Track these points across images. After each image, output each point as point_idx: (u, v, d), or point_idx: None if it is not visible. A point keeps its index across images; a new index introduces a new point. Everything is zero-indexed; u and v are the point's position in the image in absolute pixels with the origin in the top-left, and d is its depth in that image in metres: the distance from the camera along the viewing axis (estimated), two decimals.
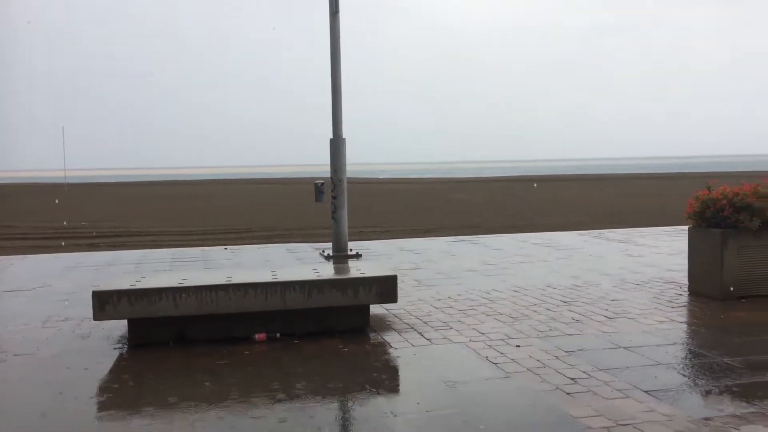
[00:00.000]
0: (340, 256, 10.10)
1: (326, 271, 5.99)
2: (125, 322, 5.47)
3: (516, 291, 7.30)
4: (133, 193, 45.63)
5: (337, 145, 10.19)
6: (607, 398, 4.02)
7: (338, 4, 9.94)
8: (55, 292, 7.72)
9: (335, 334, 5.58)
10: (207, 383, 4.43)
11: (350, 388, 4.33)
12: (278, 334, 5.49)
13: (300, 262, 9.75)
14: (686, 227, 7.27)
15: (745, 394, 4.05)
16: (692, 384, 4.24)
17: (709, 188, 6.92)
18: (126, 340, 5.46)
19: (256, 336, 5.41)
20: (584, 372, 4.50)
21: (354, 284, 5.56)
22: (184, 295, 5.26)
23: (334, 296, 5.51)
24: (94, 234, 18.54)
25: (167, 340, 5.38)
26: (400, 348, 5.18)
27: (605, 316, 6.06)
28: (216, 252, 11.20)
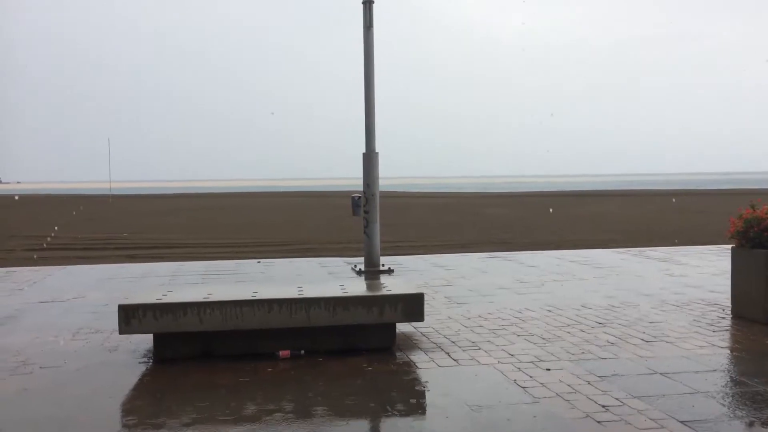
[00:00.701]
0: (371, 271, 10.01)
1: (353, 287, 5.90)
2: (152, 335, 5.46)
3: (549, 310, 7.09)
4: (172, 205, 46.44)
5: (369, 158, 10.13)
6: (640, 428, 3.82)
7: (372, 18, 9.93)
8: (89, 303, 7.81)
9: (360, 352, 5.48)
10: (228, 401, 4.37)
11: (371, 409, 4.22)
12: (302, 352, 5.41)
13: (331, 277, 9.69)
14: (730, 246, 6.98)
15: None
16: (732, 415, 4.01)
17: (753, 207, 6.63)
18: (152, 354, 5.45)
19: (281, 353, 5.34)
20: (617, 399, 4.30)
21: (380, 302, 5.45)
22: (208, 310, 5.23)
23: (359, 314, 5.41)
24: (132, 245, 18.85)
25: (192, 354, 5.36)
26: (426, 369, 5.05)
27: (642, 339, 5.83)
28: (249, 265, 11.22)
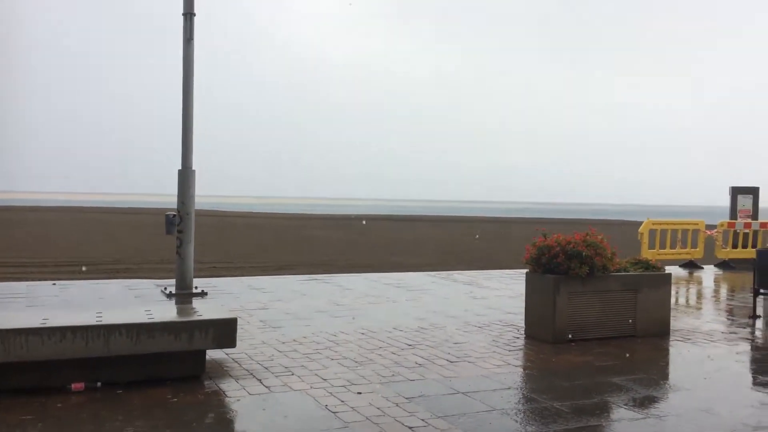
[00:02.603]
0: (183, 294, 9.55)
1: (160, 312, 5.57)
2: None
3: (363, 333, 7.23)
4: None
5: (185, 176, 9.73)
6: None
7: (192, 31, 9.60)
8: None
9: (166, 382, 5.17)
10: None
11: None
12: (99, 384, 4.98)
13: (138, 301, 9.09)
14: (525, 271, 7.60)
15: None
16: (523, 430, 4.33)
17: (545, 235, 7.30)
18: None
19: (73, 386, 4.88)
20: (422, 420, 4.47)
21: (189, 328, 5.20)
22: None
23: (165, 341, 5.12)
24: None
25: None
26: (236, 397, 4.89)
27: (447, 360, 6.13)
28: (43, 288, 10.19)
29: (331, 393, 5.01)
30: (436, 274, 13.34)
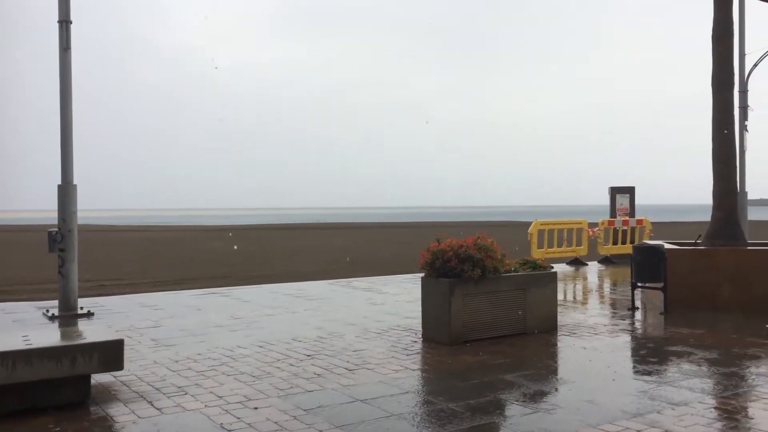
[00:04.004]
0: (67, 316, 9.04)
1: (40, 337, 5.23)
2: None
3: (261, 346, 7.11)
4: None
5: (66, 191, 9.22)
6: None
7: (69, 39, 9.12)
8: None
9: (48, 410, 4.86)
10: None
11: None
12: None
13: (16, 325, 8.49)
14: (421, 276, 7.75)
15: None
16: None
17: (438, 240, 7.48)
18: None
19: None
20: (320, 431, 4.44)
21: (71, 352, 4.92)
22: None
23: (45, 368, 4.81)
24: None
25: None
26: (124, 422, 4.66)
27: (346, 368, 6.14)
28: None
29: (226, 410, 4.89)
30: (335, 281, 13.34)
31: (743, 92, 16.82)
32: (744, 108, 16.72)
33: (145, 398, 5.22)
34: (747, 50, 16.70)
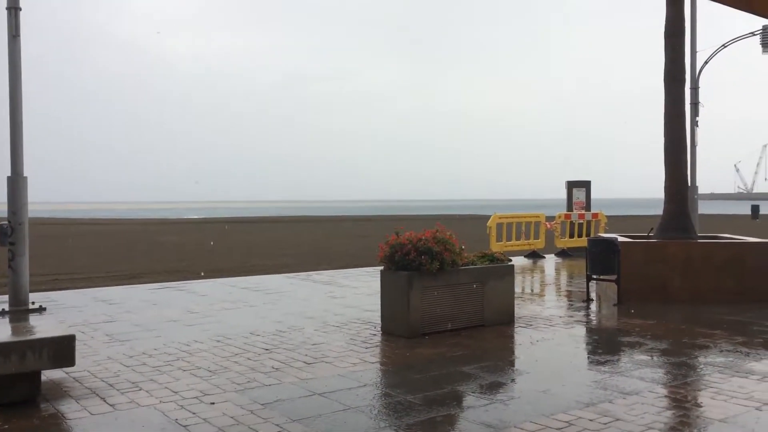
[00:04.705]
0: (18, 312, 8.79)
1: None
2: None
3: (218, 341, 7.03)
4: None
5: (16, 183, 8.95)
6: None
7: (19, 26, 8.84)
8: None
9: None
10: None
11: None
12: None
13: None
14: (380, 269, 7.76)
15: (422, 430, 4.33)
16: (377, 426, 4.41)
17: (397, 233, 7.49)
18: None
19: None
20: (277, 425, 4.42)
21: (20, 348, 4.79)
22: None
23: None
24: None
25: None
26: (76, 419, 4.56)
27: (305, 362, 6.12)
28: None
29: (182, 406, 4.82)
30: (295, 275, 13.27)
31: (694, 89, 17.28)
32: (695, 104, 17.18)
33: (97, 394, 5.11)
34: (698, 47, 17.16)
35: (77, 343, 5.28)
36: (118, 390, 5.23)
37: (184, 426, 4.41)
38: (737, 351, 6.49)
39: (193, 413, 4.66)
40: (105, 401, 4.94)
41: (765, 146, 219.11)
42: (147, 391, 5.19)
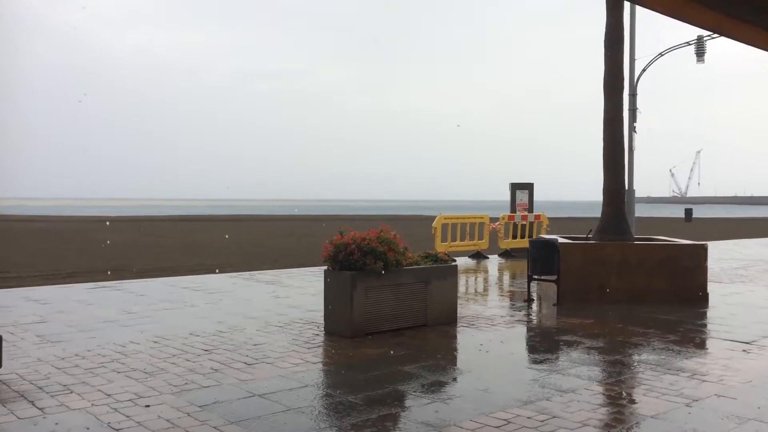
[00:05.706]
0: None
1: None
2: None
3: (156, 342, 6.85)
4: None
5: None
6: None
7: None
8: None
9: None
10: None
11: None
12: None
13: None
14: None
15: (364, 430, 4.31)
16: (317, 427, 4.37)
17: (341, 233, 7.46)
18: None
19: None
20: (215, 428, 4.33)
21: None
22: None
23: None
24: None
25: None
26: (2, 423, 4.36)
27: (245, 363, 6.01)
28: None
29: (115, 409, 4.67)
30: (237, 275, 13.07)
31: (633, 95, 17.82)
32: (633, 110, 17.73)
33: (26, 398, 4.90)
34: (638, 56, 17.71)
35: (5, 344, 5.06)
36: (47, 393, 5.02)
37: (117, 430, 4.27)
38: (669, 349, 6.72)
39: (127, 416, 4.52)
40: (33, 405, 4.74)
41: (698, 152, 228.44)
42: (78, 394, 5.00)
